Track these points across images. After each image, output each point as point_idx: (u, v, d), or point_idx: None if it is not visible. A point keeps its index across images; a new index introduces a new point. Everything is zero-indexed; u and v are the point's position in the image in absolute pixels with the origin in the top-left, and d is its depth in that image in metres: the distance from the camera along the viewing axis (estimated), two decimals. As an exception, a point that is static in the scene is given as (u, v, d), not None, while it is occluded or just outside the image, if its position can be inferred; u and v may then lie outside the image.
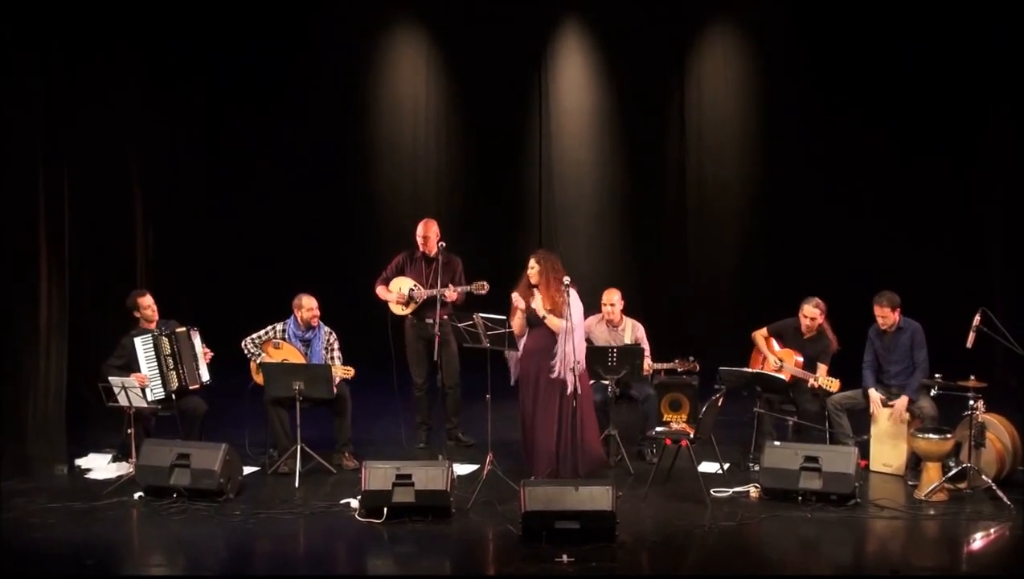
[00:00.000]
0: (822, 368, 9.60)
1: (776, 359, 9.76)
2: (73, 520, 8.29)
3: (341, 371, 9.55)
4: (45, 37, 10.15)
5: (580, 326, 8.93)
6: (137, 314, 9.75)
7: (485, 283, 9.93)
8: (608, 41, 14.07)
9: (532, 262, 8.99)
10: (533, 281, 8.94)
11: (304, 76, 14.03)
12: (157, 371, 9.53)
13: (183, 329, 9.74)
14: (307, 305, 9.80)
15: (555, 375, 8.77)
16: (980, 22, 12.41)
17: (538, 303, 8.86)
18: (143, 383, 9.36)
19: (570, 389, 8.70)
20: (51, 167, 10.15)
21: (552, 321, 8.82)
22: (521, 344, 8.96)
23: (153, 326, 9.69)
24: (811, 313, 9.71)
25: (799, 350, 9.74)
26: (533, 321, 8.91)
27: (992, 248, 12.97)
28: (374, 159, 14.45)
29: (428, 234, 10.17)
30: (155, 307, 9.73)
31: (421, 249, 10.20)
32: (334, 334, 9.93)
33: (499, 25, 13.89)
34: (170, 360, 9.57)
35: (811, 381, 9.52)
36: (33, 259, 9.98)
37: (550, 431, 8.79)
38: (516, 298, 8.91)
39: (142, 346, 9.53)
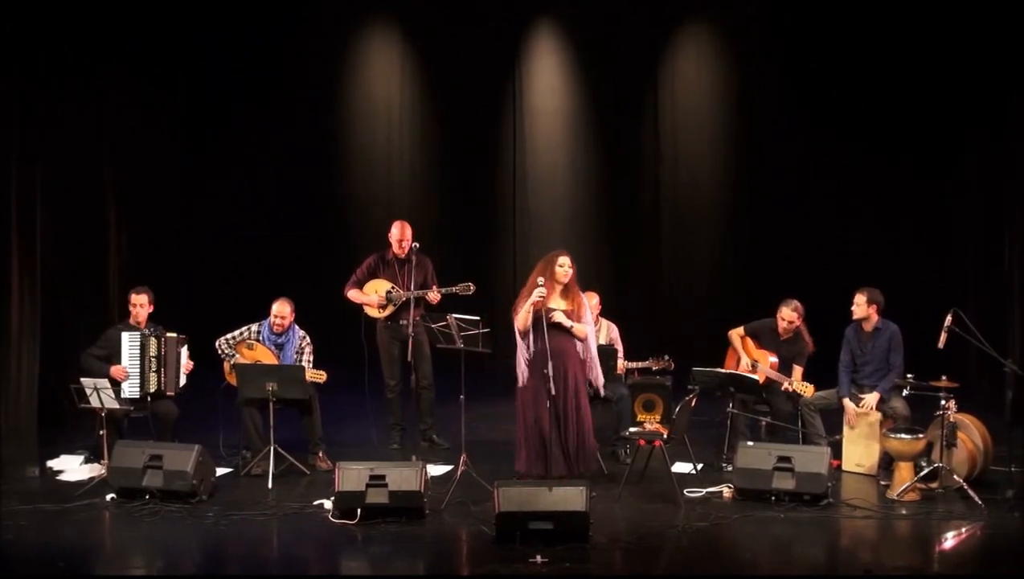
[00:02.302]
0: (797, 370, 9.63)
1: (750, 360, 9.80)
2: (45, 522, 8.23)
3: (311, 375, 9.54)
4: (21, 38, 10.13)
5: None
6: (130, 308, 9.72)
7: (471, 284, 9.93)
8: (582, 42, 14.11)
9: (566, 260, 8.78)
10: (564, 281, 8.77)
11: (278, 78, 14.00)
12: (138, 369, 9.50)
13: (174, 336, 9.69)
14: (275, 311, 9.78)
15: (599, 382, 8.87)
16: (957, 23, 12.45)
17: (561, 310, 8.74)
18: (122, 377, 9.36)
19: (599, 386, 8.95)
20: (24, 167, 10.11)
21: (579, 329, 8.73)
22: (534, 342, 8.70)
23: (143, 324, 9.65)
24: (789, 316, 9.73)
25: (775, 351, 9.76)
26: (552, 323, 8.69)
27: (965, 249, 13.03)
28: (348, 160, 14.45)
29: (404, 237, 10.15)
30: (146, 307, 9.66)
31: (394, 251, 10.19)
32: (307, 339, 9.89)
33: (473, 26, 13.93)
34: (154, 361, 9.54)
35: (785, 384, 9.54)
36: (4, 261, 9.93)
37: (584, 428, 8.77)
38: (540, 292, 8.61)
39: (129, 341, 9.53)
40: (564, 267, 8.79)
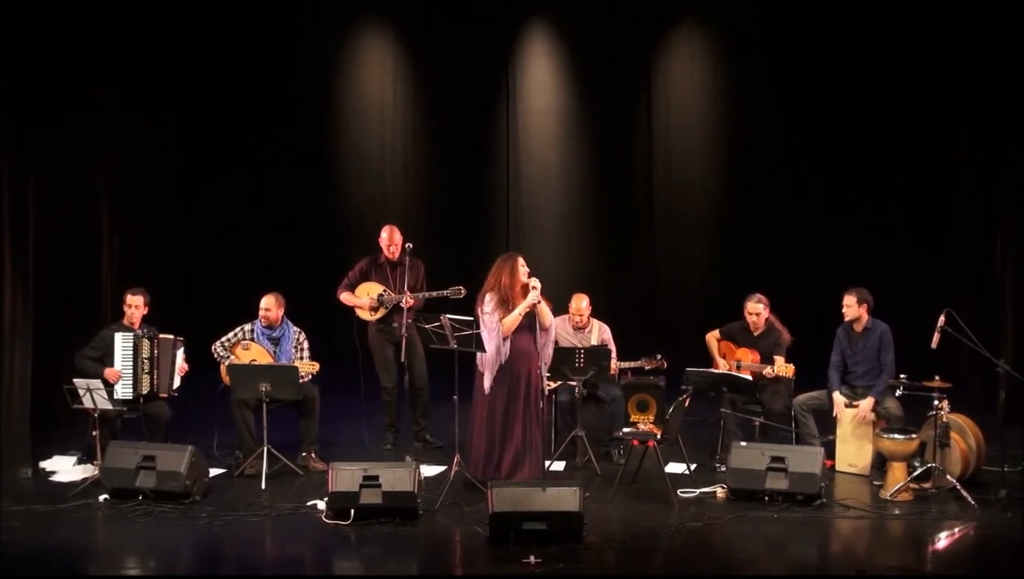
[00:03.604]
0: (779, 360, 9.63)
1: (732, 362, 9.81)
2: (38, 523, 8.23)
3: (306, 366, 9.54)
4: (18, 37, 10.13)
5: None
6: (124, 309, 9.71)
7: (462, 288, 9.93)
8: (575, 42, 14.09)
9: (524, 263, 8.85)
10: (525, 280, 8.80)
11: (271, 80, 13.96)
12: (131, 370, 9.50)
13: (169, 338, 9.69)
14: (262, 305, 9.80)
15: (542, 371, 8.83)
16: (951, 23, 12.45)
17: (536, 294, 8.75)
18: (115, 378, 9.37)
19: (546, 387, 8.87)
20: (16, 167, 10.09)
21: (544, 309, 8.76)
22: (507, 345, 8.79)
23: (136, 326, 9.64)
24: (754, 309, 9.79)
25: (753, 348, 9.80)
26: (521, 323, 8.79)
27: (959, 249, 13.04)
28: (341, 161, 14.42)
29: (393, 241, 10.19)
30: (141, 308, 9.66)
31: (385, 255, 10.19)
32: (303, 334, 9.92)
33: (466, 26, 13.91)
34: (147, 363, 9.53)
35: (767, 371, 9.55)
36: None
37: (531, 431, 8.76)
38: (535, 295, 8.70)
39: (122, 342, 9.52)
40: (525, 267, 8.84)
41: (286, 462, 9.32)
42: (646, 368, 10.18)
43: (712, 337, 10.06)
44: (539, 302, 8.75)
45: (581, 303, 10.06)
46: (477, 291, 9.12)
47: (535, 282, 8.75)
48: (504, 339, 8.76)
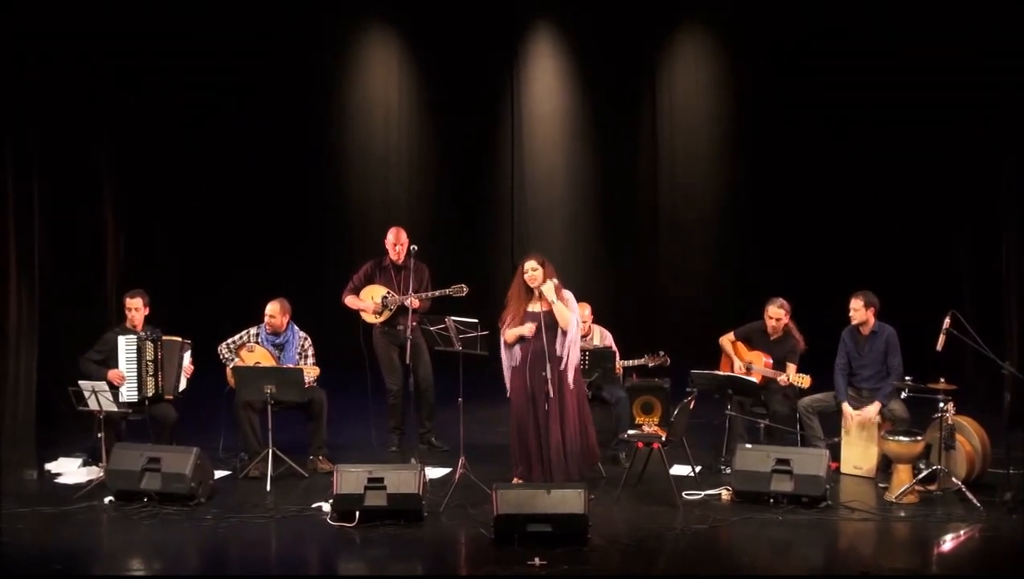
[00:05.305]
0: (791, 368, 9.63)
1: (744, 363, 9.80)
2: (42, 525, 8.24)
3: (307, 370, 9.55)
4: (20, 37, 10.13)
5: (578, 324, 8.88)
6: (126, 312, 9.72)
7: (463, 286, 9.92)
8: (580, 45, 14.10)
9: (533, 265, 8.64)
10: (534, 285, 8.65)
11: (276, 82, 13.94)
12: (135, 373, 9.50)
13: (176, 340, 9.70)
14: (267, 311, 9.79)
15: (563, 368, 8.64)
16: (950, 22, 12.41)
17: (549, 294, 8.61)
18: (119, 381, 9.38)
19: (572, 386, 8.69)
20: (19, 169, 10.09)
21: (560, 312, 8.57)
22: (515, 351, 8.71)
23: (139, 328, 9.64)
24: (776, 314, 9.76)
25: (767, 352, 9.78)
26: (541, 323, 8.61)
27: (961, 250, 13.01)
28: (346, 164, 14.42)
29: (399, 241, 10.16)
30: (141, 310, 9.66)
31: (390, 257, 10.19)
32: (309, 340, 9.90)
33: (471, 29, 13.90)
34: (151, 366, 9.53)
35: (781, 379, 9.54)
36: (2, 262, 9.91)
37: (561, 429, 8.65)
38: (529, 328, 8.60)
39: (125, 346, 9.52)
40: (530, 272, 8.68)
41: (291, 464, 9.32)
42: (650, 365, 10.16)
43: (727, 340, 10.03)
44: (555, 301, 8.59)
45: (584, 311, 10.05)
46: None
47: (547, 287, 8.59)
48: (509, 346, 8.74)
